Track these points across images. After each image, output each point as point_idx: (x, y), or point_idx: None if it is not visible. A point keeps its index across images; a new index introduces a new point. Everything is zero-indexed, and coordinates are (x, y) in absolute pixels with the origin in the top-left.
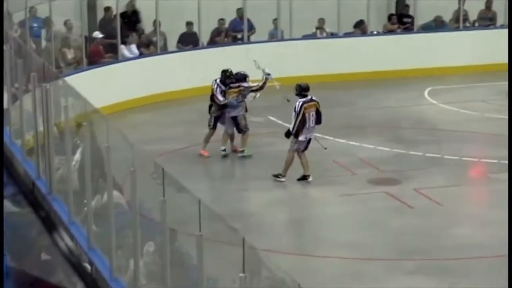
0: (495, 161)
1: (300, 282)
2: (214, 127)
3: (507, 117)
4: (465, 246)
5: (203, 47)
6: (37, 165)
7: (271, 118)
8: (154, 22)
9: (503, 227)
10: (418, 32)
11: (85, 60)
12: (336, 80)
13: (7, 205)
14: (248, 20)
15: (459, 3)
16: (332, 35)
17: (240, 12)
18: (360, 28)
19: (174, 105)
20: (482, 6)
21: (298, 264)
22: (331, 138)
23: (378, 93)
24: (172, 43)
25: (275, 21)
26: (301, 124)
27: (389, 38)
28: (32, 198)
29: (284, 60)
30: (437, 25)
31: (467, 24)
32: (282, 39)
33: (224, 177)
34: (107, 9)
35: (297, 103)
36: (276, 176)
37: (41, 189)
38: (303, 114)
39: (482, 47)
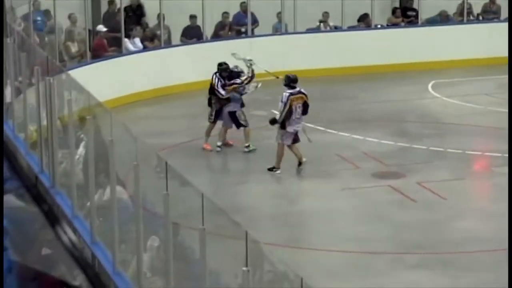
0: (499, 154)
1: (302, 276)
2: (214, 121)
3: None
4: (469, 240)
5: (207, 41)
6: (40, 159)
7: (274, 111)
8: (158, 15)
9: (506, 221)
10: (422, 25)
11: (89, 54)
12: (340, 73)
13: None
14: (252, 14)
15: None
16: (336, 29)
17: (244, 5)
18: (364, 21)
19: (177, 98)
20: None
21: (301, 257)
22: (334, 131)
23: (382, 87)
24: (176, 37)
25: (279, 14)
26: (289, 115)
27: (393, 32)
28: (35, 192)
29: (288, 54)
30: (442, 19)
31: (471, 18)
32: (286, 33)
33: (226, 170)
34: (111, 3)
35: (284, 94)
36: (271, 169)
37: (44, 183)
38: (290, 105)
39: (486, 40)
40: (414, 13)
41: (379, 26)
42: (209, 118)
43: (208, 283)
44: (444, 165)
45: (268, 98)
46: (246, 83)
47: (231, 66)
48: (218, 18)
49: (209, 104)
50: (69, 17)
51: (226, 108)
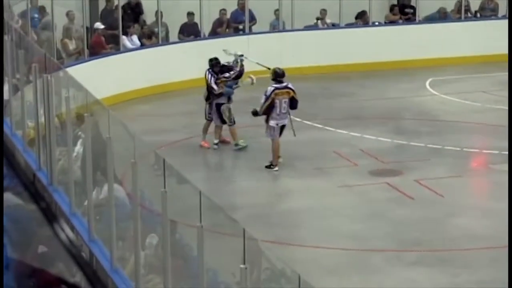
0: (496, 152)
1: (300, 273)
2: (211, 118)
3: (507, 107)
4: (466, 237)
5: (205, 38)
6: (38, 156)
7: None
8: (156, 13)
9: (504, 218)
10: (419, 23)
11: (86, 51)
12: (337, 71)
13: (8, 196)
14: (250, 11)
15: None
16: (334, 26)
17: (241, 3)
18: (362, 19)
19: (175, 96)
20: None
21: (298, 255)
22: (332, 129)
23: (380, 84)
24: (174, 34)
25: (276, 12)
26: (270, 109)
27: (391, 29)
28: (33, 189)
29: (285, 51)
30: (440, 16)
31: (469, 15)
32: (284, 30)
33: (224, 168)
34: (109, 0)
35: (269, 88)
36: (269, 166)
37: (42, 181)
38: (272, 99)
39: (484, 38)
40: (411, 11)
41: (376, 23)
42: (207, 116)
43: (206, 281)
44: (441, 163)
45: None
46: (233, 78)
47: (224, 62)
48: (215, 15)
49: (207, 101)
50: (67, 14)
51: (215, 100)
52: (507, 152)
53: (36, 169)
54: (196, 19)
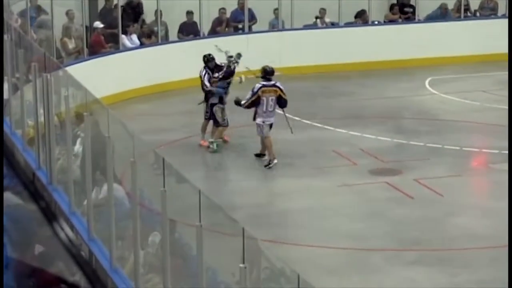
0: (496, 151)
1: (299, 273)
2: (209, 117)
3: (507, 107)
4: (466, 237)
5: (204, 37)
6: (37, 155)
7: None
8: (156, 12)
9: (503, 218)
10: (419, 22)
11: (86, 50)
12: (336, 70)
13: (8, 195)
14: (250, 11)
15: None
16: (333, 25)
17: (241, 2)
18: (362, 18)
19: (174, 95)
20: None
21: (297, 254)
22: (331, 128)
23: (379, 83)
24: (173, 33)
25: (275, 11)
26: (255, 106)
27: (390, 28)
28: (33, 189)
29: (284, 50)
30: (442, 12)
31: (469, 14)
32: (283, 29)
33: (223, 167)
34: None
35: (257, 84)
36: (268, 164)
37: (42, 180)
38: (258, 96)
39: (484, 37)
40: (411, 10)
41: (376, 22)
42: (205, 115)
43: (205, 280)
44: (441, 162)
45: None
46: (221, 78)
47: (220, 61)
48: (215, 14)
49: (206, 100)
50: (67, 13)
51: (210, 100)
52: (507, 152)
53: (35, 168)
54: (196, 18)
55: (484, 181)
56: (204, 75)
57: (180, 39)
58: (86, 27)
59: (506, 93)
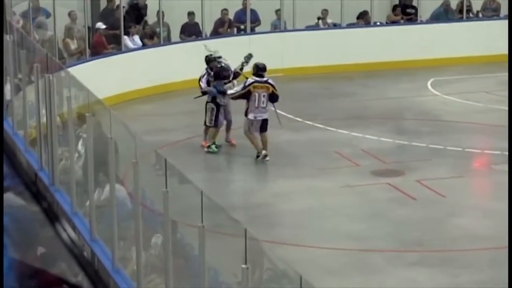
0: (498, 152)
1: (301, 274)
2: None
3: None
4: (468, 238)
5: (206, 38)
6: (39, 156)
7: (273, 109)
8: (158, 13)
9: (505, 219)
10: (421, 23)
11: (88, 51)
12: (338, 71)
13: (10, 196)
14: (254, 12)
15: None
16: (335, 26)
17: (246, 3)
18: (364, 19)
19: (176, 96)
20: None
21: (300, 255)
22: (333, 129)
23: (381, 84)
24: (175, 34)
25: (278, 11)
26: (243, 98)
27: (393, 29)
28: (35, 189)
29: (286, 51)
30: (445, 9)
31: (471, 15)
32: (285, 30)
33: (225, 168)
34: (110, 0)
35: (249, 79)
36: (258, 157)
37: (44, 180)
38: (249, 91)
39: (486, 38)
40: (413, 11)
41: (378, 23)
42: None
43: (207, 281)
44: (443, 163)
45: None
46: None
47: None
48: (217, 15)
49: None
50: (69, 14)
51: (206, 98)
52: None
53: (37, 169)
54: (198, 19)
55: (486, 182)
56: (204, 75)
57: (182, 40)
58: (89, 28)
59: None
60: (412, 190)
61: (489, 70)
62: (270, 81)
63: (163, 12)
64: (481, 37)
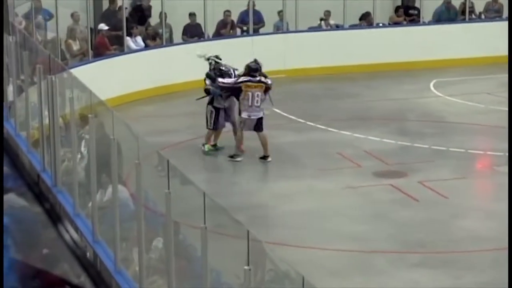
0: (501, 153)
1: (304, 275)
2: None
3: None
4: (470, 239)
5: (209, 39)
6: (42, 157)
7: (276, 110)
8: (160, 14)
9: (508, 220)
10: (424, 24)
11: (90, 52)
12: (341, 72)
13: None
14: (259, 13)
15: None
16: (338, 27)
17: (252, 4)
18: (366, 20)
19: (179, 97)
20: None
21: (302, 256)
22: (336, 130)
23: (384, 85)
24: (177, 35)
25: (280, 13)
26: (231, 93)
27: (395, 30)
28: (37, 191)
29: (289, 52)
30: (447, 7)
31: (473, 16)
32: (288, 31)
33: (227, 169)
34: (112, 1)
35: (243, 77)
36: (231, 156)
37: (46, 182)
38: (240, 88)
39: (488, 39)
40: (416, 12)
41: (381, 24)
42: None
43: (210, 282)
44: (446, 164)
45: (272, 96)
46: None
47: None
48: (220, 16)
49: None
50: (72, 15)
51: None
52: None
53: (40, 170)
54: (200, 21)
55: (488, 183)
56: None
57: (185, 41)
58: (91, 29)
59: None
60: (414, 192)
61: (491, 71)
62: (263, 79)
63: (165, 13)
64: (483, 39)
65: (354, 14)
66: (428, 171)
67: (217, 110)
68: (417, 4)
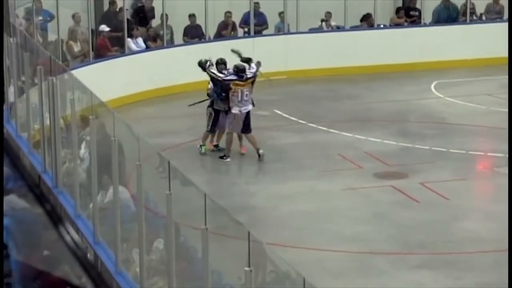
0: (502, 155)
1: (305, 276)
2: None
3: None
4: (471, 240)
5: (210, 40)
6: (43, 159)
7: (277, 111)
8: (161, 15)
9: (508, 221)
10: (425, 25)
11: (91, 54)
12: (342, 73)
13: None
14: (262, 15)
15: None
16: (339, 29)
17: (256, 5)
18: (367, 21)
19: (180, 98)
20: None
21: (303, 258)
22: (337, 131)
23: (384, 87)
24: (178, 36)
25: (281, 14)
26: (219, 86)
27: (396, 32)
28: (38, 192)
29: (290, 54)
30: (445, 6)
31: (474, 18)
32: (289, 33)
33: (228, 170)
34: (113, 3)
35: (232, 76)
36: (222, 157)
37: (47, 183)
38: (228, 85)
39: (489, 40)
40: (417, 13)
41: (381, 26)
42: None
43: (211, 283)
44: (447, 165)
45: (270, 98)
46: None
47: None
48: (221, 17)
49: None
50: (73, 16)
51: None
52: None
53: (41, 172)
54: (201, 22)
55: (489, 185)
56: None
57: (185, 43)
58: (92, 30)
59: None
60: (415, 193)
61: (492, 72)
62: (249, 75)
63: (166, 14)
64: (484, 40)
65: (355, 16)
66: (429, 172)
67: (217, 112)
68: (418, 5)
